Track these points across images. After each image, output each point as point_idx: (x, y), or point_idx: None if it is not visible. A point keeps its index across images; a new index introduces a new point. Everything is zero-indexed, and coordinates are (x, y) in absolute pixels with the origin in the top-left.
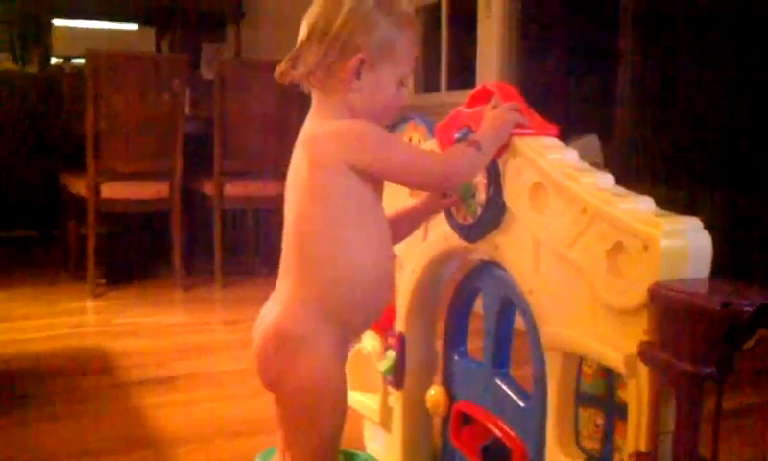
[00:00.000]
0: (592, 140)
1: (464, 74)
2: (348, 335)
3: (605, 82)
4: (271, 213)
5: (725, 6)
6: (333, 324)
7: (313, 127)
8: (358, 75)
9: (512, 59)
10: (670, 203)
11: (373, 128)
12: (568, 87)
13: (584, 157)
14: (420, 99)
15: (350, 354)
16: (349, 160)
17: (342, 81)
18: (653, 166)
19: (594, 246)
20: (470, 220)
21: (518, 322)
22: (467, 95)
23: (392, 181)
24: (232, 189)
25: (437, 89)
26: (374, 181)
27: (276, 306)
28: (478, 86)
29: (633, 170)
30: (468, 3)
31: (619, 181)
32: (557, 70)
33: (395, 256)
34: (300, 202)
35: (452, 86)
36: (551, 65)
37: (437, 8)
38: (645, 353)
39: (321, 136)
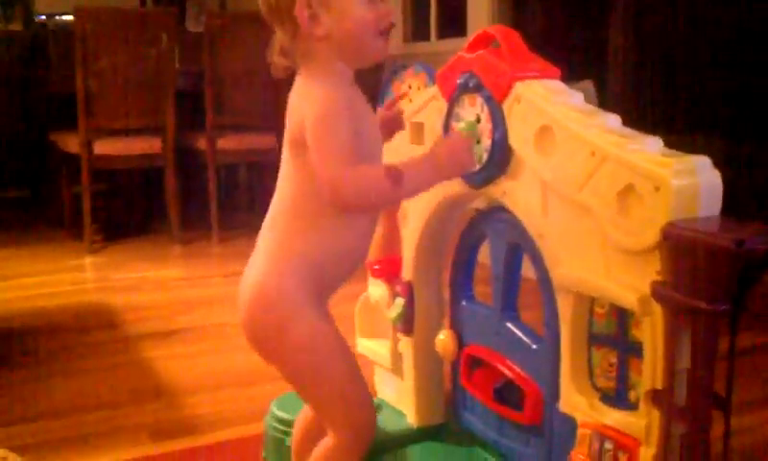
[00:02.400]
0: (587, 86)
1: (454, 21)
2: (324, 291)
3: (600, 27)
4: (265, 166)
5: None
6: (313, 280)
7: (292, 99)
8: (316, 20)
9: (503, 5)
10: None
11: (328, 108)
12: (562, 33)
13: None
14: (410, 48)
15: (358, 304)
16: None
17: (307, 38)
18: (649, 112)
19: (604, 188)
20: (476, 165)
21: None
22: (458, 43)
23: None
24: (226, 143)
25: (427, 38)
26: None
27: (258, 261)
28: (478, 31)
29: (629, 116)
30: None
31: None
32: (550, 16)
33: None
34: (288, 162)
35: (443, 35)
36: (544, 11)
37: None
38: (659, 293)
39: (295, 106)
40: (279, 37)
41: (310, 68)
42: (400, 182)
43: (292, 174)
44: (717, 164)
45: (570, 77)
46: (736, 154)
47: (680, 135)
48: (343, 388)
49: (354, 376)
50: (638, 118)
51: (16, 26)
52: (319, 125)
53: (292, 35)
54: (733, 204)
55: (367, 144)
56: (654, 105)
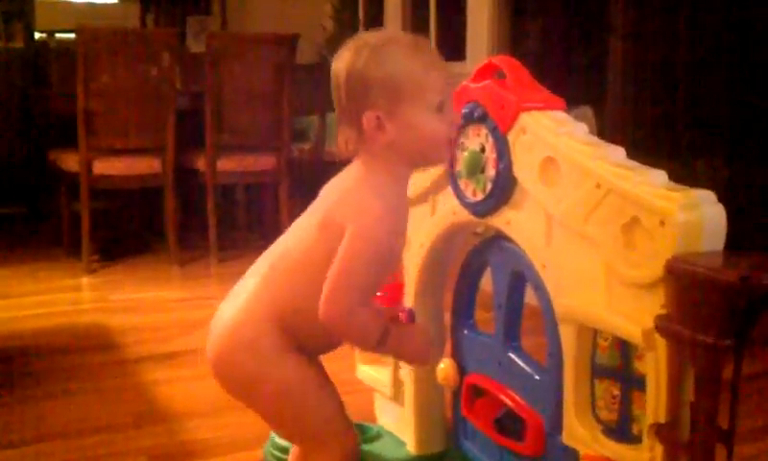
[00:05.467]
0: (586, 111)
1: (453, 45)
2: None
3: (598, 53)
4: (264, 187)
5: None
6: (288, 336)
7: (344, 181)
8: (382, 129)
9: (502, 30)
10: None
11: (371, 235)
12: (560, 57)
13: None
14: None
15: None
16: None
17: (372, 142)
18: (647, 137)
19: (609, 221)
20: (480, 195)
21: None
22: (457, 67)
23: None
24: (225, 164)
25: None
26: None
27: (239, 301)
28: (482, 61)
29: (627, 141)
30: None
31: None
32: (548, 40)
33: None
34: (311, 231)
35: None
36: (543, 35)
37: None
38: (663, 327)
39: (340, 198)
40: (346, 131)
41: (369, 163)
42: (383, 343)
43: (311, 243)
44: (718, 190)
45: (569, 101)
46: (740, 180)
47: (680, 161)
48: (320, 428)
49: (332, 413)
50: (637, 143)
51: (17, 43)
52: (355, 251)
53: (357, 135)
54: (735, 230)
55: (399, 239)
56: (653, 129)
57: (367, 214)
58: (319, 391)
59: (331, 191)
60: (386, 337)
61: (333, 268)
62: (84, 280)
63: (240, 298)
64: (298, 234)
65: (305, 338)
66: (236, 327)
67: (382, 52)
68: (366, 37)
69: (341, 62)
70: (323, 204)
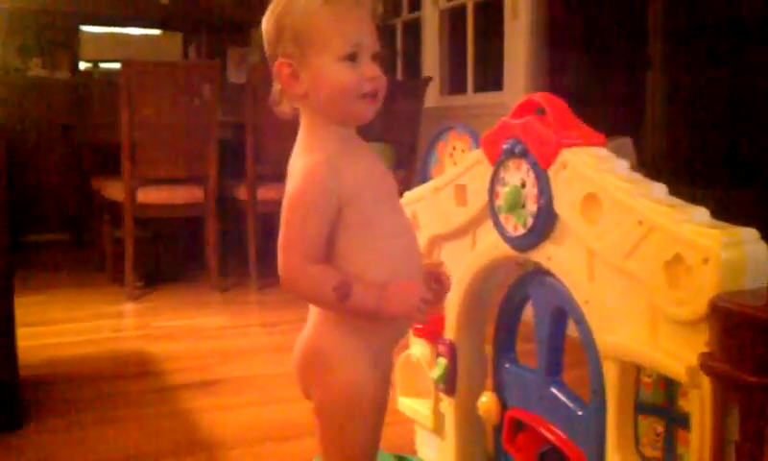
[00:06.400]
0: (626, 142)
1: (491, 75)
2: (380, 346)
3: (636, 83)
4: None
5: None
6: (361, 338)
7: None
8: (296, 78)
9: (539, 60)
10: (705, 205)
11: (303, 193)
12: (599, 88)
13: None
14: (447, 101)
15: (400, 361)
16: None
17: (290, 95)
18: (685, 168)
19: (652, 257)
20: (521, 230)
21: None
22: (495, 97)
23: None
24: (265, 193)
25: (463, 91)
26: (363, 200)
27: (308, 323)
28: (522, 97)
29: (665, 173)
30: (495, 5)
31: None
32: (587, 71)
33: (416, 259)
34: None
35: (479, 88)
36: (581, 66)
37: (462, 9)
38: (707, 365)
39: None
40: (275, 87)
41: (303, 121)
42: (344, 300)
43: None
44: (760, 221)
45: (607, 131)
46: None
47: (721, 191)
48: (350, 454)
49: (370, 449)
50: (677, 173)
51: (62, 74)
52: (290, 210)
53: (280, 88)
54: None
55: (369, 203)
56: (693, 159)
57: (293, 174)
58: (370, 415)
59: None
60: (347, 291)
61: (279, 236)
62: (127, 307)
63: (311, 314)
64: None
65: (376, 325)
66: (307, 344)
67: (297, 0)
68: None
69: (266, 14)
70: None
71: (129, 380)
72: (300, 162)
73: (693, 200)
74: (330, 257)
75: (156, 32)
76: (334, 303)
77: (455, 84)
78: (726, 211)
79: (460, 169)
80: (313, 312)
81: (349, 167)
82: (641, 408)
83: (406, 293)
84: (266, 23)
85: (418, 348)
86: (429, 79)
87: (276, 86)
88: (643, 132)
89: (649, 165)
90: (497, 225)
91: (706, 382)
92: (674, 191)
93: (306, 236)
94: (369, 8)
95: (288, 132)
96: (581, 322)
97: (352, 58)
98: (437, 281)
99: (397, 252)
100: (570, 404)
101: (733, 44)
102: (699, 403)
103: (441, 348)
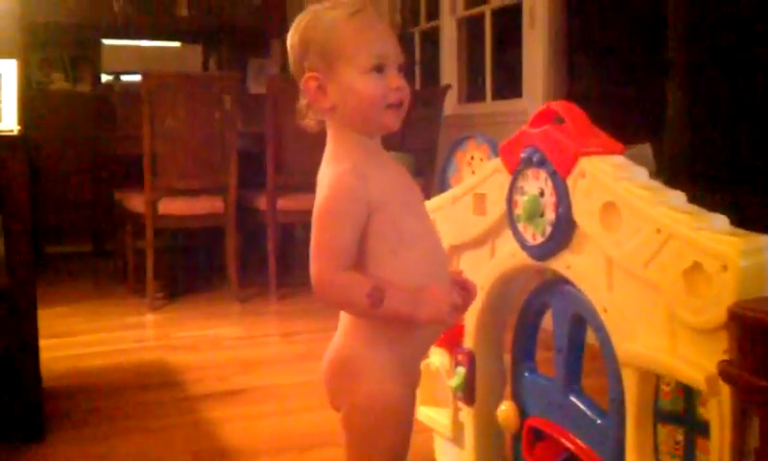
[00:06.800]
0: (645, 149)
1: (510, 82)
2: (410, 355)
3: (655, 89)
4: None
5: None
6: (390, 347)
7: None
8: (323, 92)
9: (558, 66)
10: (725, 211)
11: (333, 200)
12: (618, 94)
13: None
14: (465, 109)
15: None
16: None
17: (318, 109)
18: (706, 174)
19: (671, 265)
20: (540, 239)
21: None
22: (514, 105)
23: None
24: (285, 203)
25: (482, 99)
26: (391, 207)
27: (338, 333)
28: (540, 106)
29: (685, 179)
30: (512, 13)
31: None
32: (605, 76)
33: (443, 266)
34: None
35: (498, 96)
36: (599, 71)
37: (480, 17)
38: (726, 372)
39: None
40: (301, 101)
41: (330, 134)
42: (378, 306)
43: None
44: None
45: (626, 137)
46: None
47: (741, 196)
48: None
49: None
50: (698, 178)
51: (84, 87)
52: (320, 218)
53: (306, 102)
54: None
55: (396, 209)
56: (713, 166)
57: (322, 184)
58: (398, 425)
59: None
60: (380, 297)
61: (311, 245)
62: (148, 318)
63: (341, 324)
64: None
65: (405, 333)
66: (336, 355)
67: (321, 15)
68: (314, 6)
69: (291, 30)
70: None
71: (150, 391)
72: (328, 172)
73: (714, 206)
74: (359, 264)
75: (177, 44)
76: (367, 309)
77: (474, 92)
78: (748, 219)
79: (478, 178)
80: (342, 322)
81: (376, 175)
82: (660, 416)
83: (438, 298)
84: (291, 39)
85: (437, 357)
86: (448, 87)
87: (303, 101)
88: (663, 136)
89: (668, 170)
90: (516, 234)
91: (725, 390)
92: (694, 197)
93: (337, 244)
94: (389, 20)
95: (308, 142)
96: (600, 330)
97: (379, 69)
98: (463, 288)
99: (426, 258)
100: (589, 413)
101: (755, 47)
102: (718, 411)
103: (459, 357)
